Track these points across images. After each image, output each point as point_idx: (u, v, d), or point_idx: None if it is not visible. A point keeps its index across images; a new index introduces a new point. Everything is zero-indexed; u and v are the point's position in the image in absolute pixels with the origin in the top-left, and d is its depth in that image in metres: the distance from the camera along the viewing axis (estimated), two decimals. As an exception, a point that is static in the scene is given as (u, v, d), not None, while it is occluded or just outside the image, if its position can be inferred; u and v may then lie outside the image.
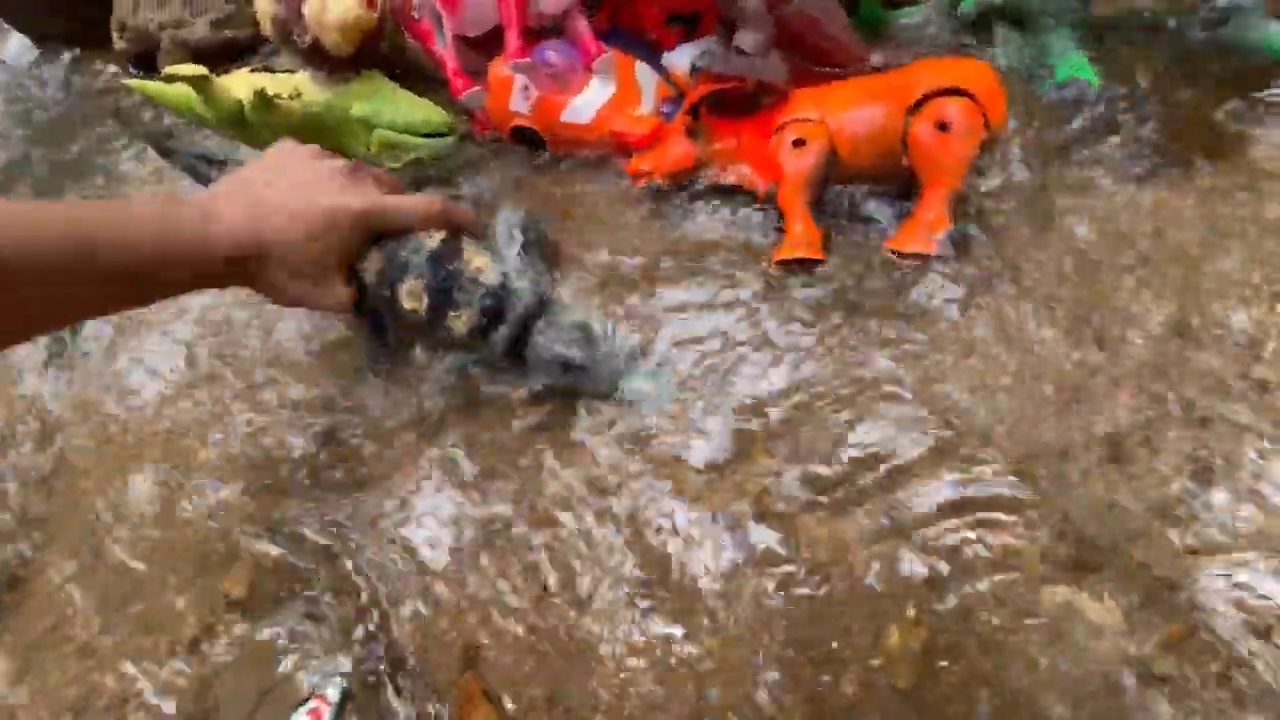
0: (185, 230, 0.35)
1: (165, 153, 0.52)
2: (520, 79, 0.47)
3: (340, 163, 0.41)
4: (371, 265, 0.41)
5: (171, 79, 0.53)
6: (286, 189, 0.38)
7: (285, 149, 0.41)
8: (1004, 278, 0.40)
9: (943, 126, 0.38)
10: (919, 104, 0.39)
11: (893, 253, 0.40)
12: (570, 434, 0.41)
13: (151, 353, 0.53)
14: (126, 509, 0.47)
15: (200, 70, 0.51)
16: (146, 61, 0.65)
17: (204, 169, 0.49)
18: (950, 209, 0.39)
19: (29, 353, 0.56)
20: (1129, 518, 0.34)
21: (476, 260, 0.41)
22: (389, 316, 0.42)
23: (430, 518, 0.41)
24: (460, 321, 0.40)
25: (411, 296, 0.40)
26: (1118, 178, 0.41)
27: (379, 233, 0.41)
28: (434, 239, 0.41)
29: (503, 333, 0.41)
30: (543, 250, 0.45)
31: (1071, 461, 0.35)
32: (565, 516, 0.39)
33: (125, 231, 0.32)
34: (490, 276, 0.41)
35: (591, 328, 0.41)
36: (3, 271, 0.28)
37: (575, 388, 0.42)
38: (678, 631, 0.35)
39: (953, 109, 0.38)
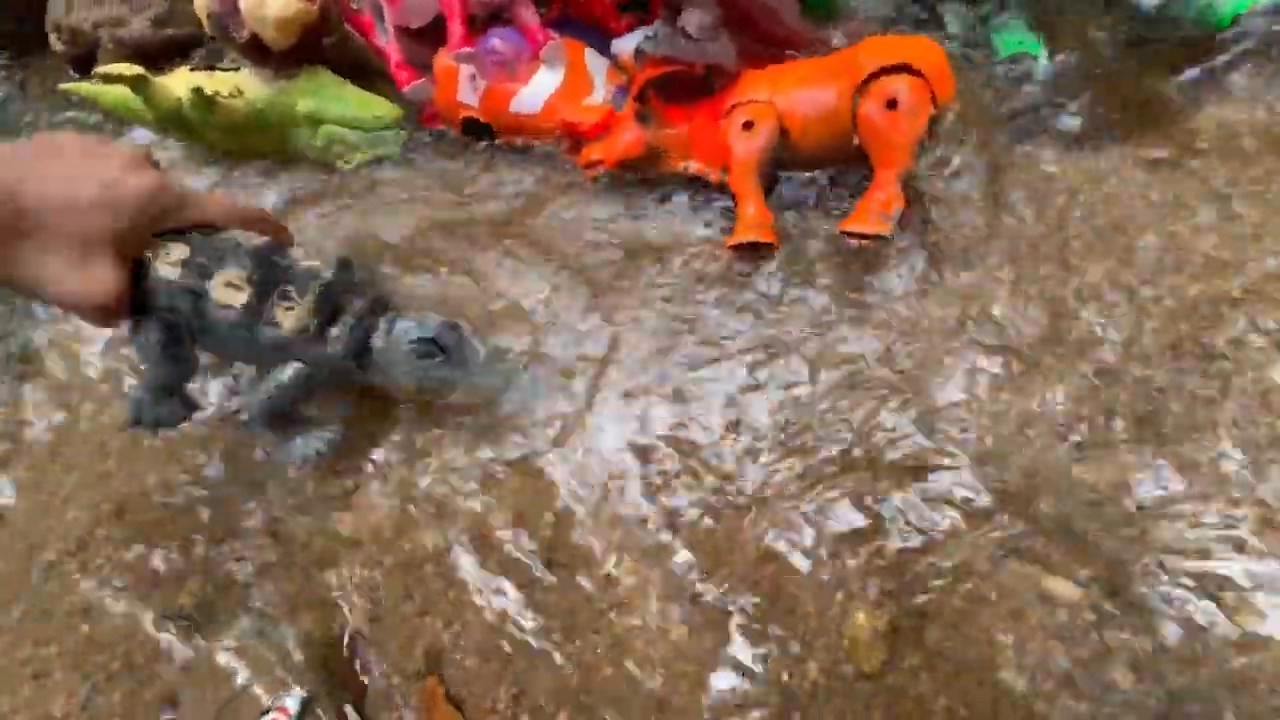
0: None
1: None
2: (467, 69, 0.46)
3: (134, 147, 0.34)
4: (170, 254, 0.34)
5: (108, 79, 0.51)
6: (64, 159, 0.32)
7: (51, 137, 0.34)
8: (955, 254, 0.40)
9: (891, 104, 0.38)
10: (867, 82, 0.39)
11: (845, 234, 0.40)
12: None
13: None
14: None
15: (137, 70, 0.49)
16: (86, 63, 0.63)
17: None
18: (901, 188, 0.39)
19: None
20: (1085, 491, 0.34)
21: (307, 261, 0.36)
22: (186, 321, 0.35)
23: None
24: (292, 316, 0.34)
25: (229, 289, 0.34)
26: (1065, 150, 0.41)
27: (172, 224, 0.34)
28: (255, 238, 0.35)
29: (344, 325, 0.35)
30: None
31: (1028, 438, 0.35)
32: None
33: None
34: (326, 273, 0.36)
35: (449, 320, 0.37)
36: None
37: (438, 390, 0.37)
38: (637, 622, 0.35)
39: (900, 86, 0.38)
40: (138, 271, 0.34)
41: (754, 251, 0.42)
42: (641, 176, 0.45)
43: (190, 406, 0.39)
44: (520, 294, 0.44)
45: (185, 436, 0.44)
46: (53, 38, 0.63)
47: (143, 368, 0.37)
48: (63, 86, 0.60)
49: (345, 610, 0.38)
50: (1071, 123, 0.41)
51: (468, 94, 0.47)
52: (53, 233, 0.30)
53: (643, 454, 0.38)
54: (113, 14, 0.58)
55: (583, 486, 0.38)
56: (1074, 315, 0.38)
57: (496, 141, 0.49)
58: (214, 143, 0.54)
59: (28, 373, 0.51)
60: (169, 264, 0.34)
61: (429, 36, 0.48)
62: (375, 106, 0.50)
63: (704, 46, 0.40)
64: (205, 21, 0.48)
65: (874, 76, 0.39)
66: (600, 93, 0.47)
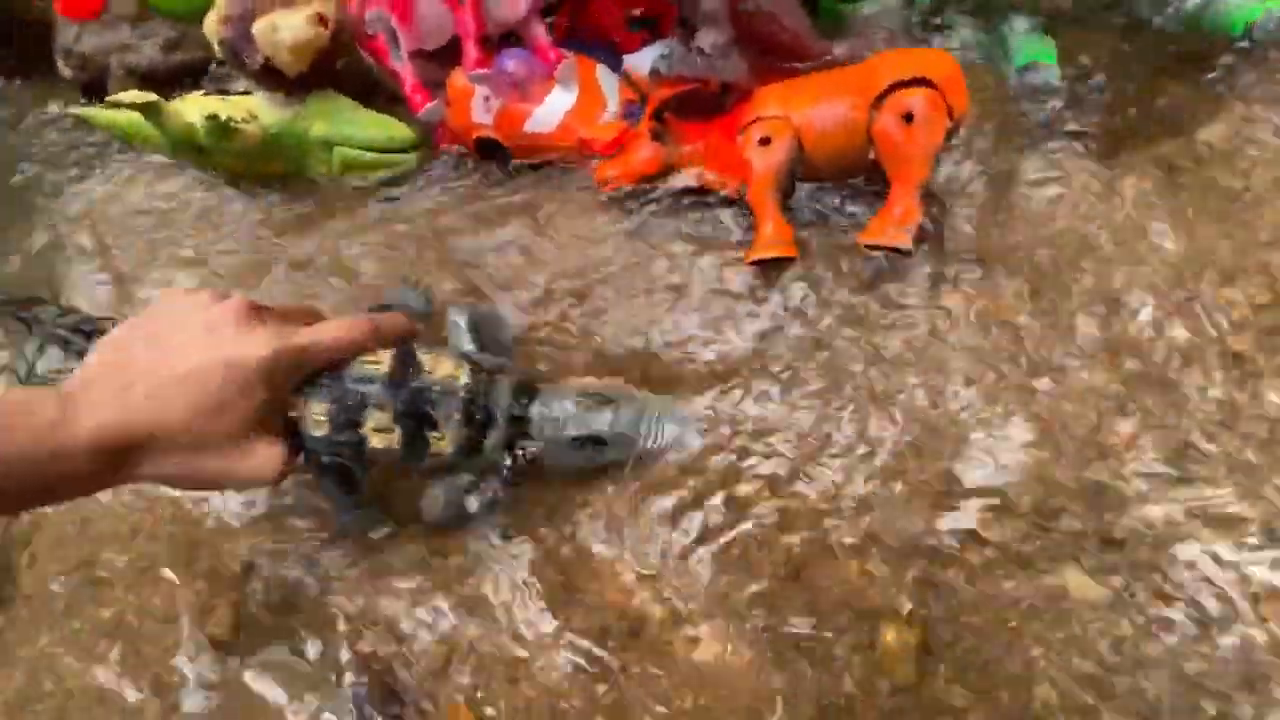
0: (34, 428, 0.28)
1: (27, 324, 0.42)
2: (481, 90, 0.46)
3: (236, 302, 0.33)
4: (314, 412, 0.34)
5: (120, 106, 0.52)
6: (168, 351, 0.31)
7: (168, 299, 0.34)
8: (973, 266, 0.40)
9: (907, 118, 0.38)
10: (882, 96, 0.39)
11: (865, 247, 0.40)
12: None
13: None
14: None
15: (149, 97, 0.49)
16: (97, 89, 0.63)
17: (77, 342, 0.40)
18: (919, 201, 0.39)
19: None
20: (1109, 497, 0.34)
21: (440, 368, 0.35)
22: (357, 465, 0.36)
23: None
24: (445, 441, 0.34)
25: (381, 434, 0.34)
26: (1082, 160, 0.41)
27: (301, 376, 0.33)
28: (381, 362, 0.34)
29: (497, 435, 0.35)
30: (502, 341, 0.41)
31: (1050, 444, 0.35)
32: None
33: None
34: (463, 378, 0.35)
35: (596, 391, 0.36)
36: None
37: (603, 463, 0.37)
38: (680, 637, 0.35)
39: (916, 100, 0.38)
40: (292, 426, 0.34)
41: (773, 264, 0.42)
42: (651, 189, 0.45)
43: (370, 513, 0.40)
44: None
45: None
46: (61, 64, 0.63)
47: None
48: (74, 111, 0.60)
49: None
50: (1087, 133, 0.42)
51: (482, 115, 0.47)
52: (188, 445, 0.30)
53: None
54: (122, 40, 0.59)
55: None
56: (1093, 320, 0.38)
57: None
58: (227, 167, 0.54)
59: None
60: (317, 424, 0.34)
61: (442, 58, 0.48)
62: (389, 129, 0.50)
63: (718, 64, 0.41)
64: (217, 47, 0.49)
65: (889, 90, 0.39)
66: (614, 109, 0.48)
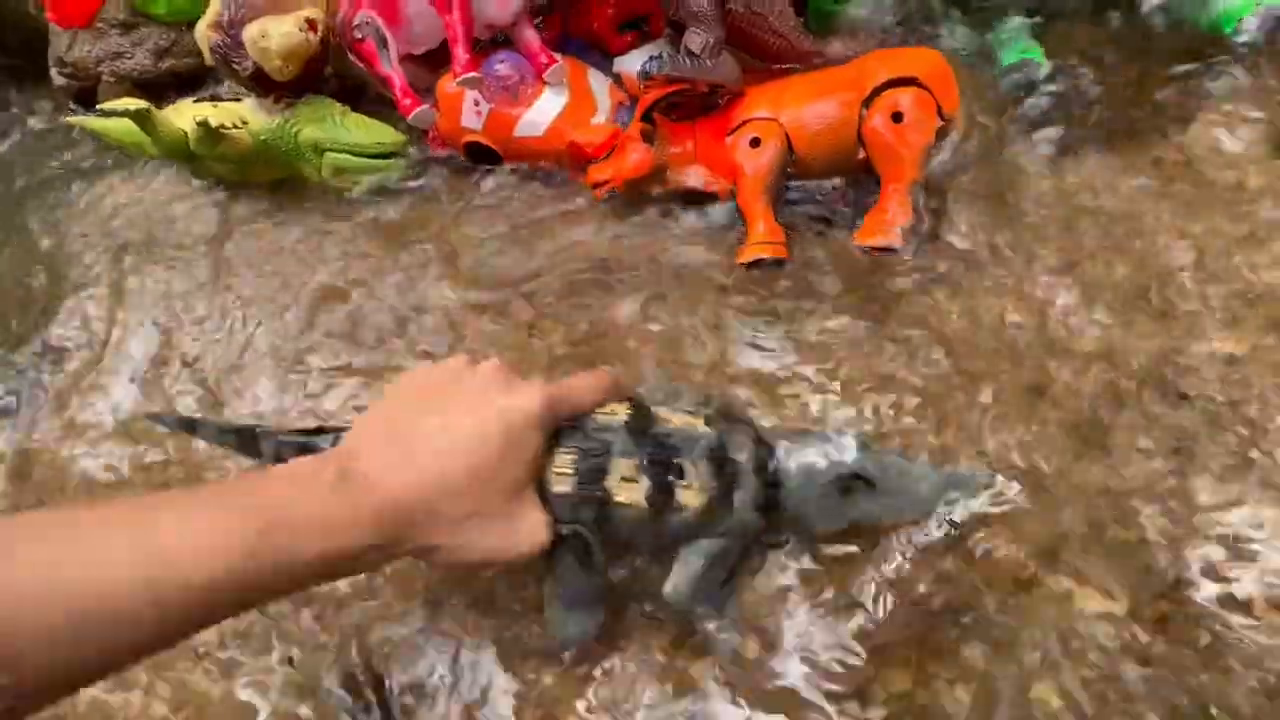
0: (321, 501, 0.25)
1: (250, 449, 0.37)
2: (471, 94, 0.46)
3: (495, 363, 0.31)
4: (560, 468, 0.30)
5: (111, 113, 0.52)
6: (443, 413, 0.29)
7: (415, 375, 0.32)
8: (967, 264, 0.40)
9: (897, 117, 0.38)
10: (872, 96, 0.39)
11: (858, 247, 0.40)
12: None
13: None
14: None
15: (141, 104, 0.49)
16: (88, 97, 0.63)
17: (316, 444, 0.35)
18: (911, 200, 0.39)
19: None
20: (1115, 502, 0.33)
21: (675, 417, 0.32)
22: (593, 533, 0.31)
23: None
24: (693, 492, 0.30)
25: (627, 486, 0.30)
26: (1071, 156, 0.41)
27: (553, 428, 0.31)
28: (617, 413, 0.32)
29: (750, 483, 0.31)
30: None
31: (1053, 449, 0.35)
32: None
33: (215, 537, 0.23)
34: (701, 424, 0.32)
35: (853, 434, 0.32)
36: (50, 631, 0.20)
37: (873, 524, 0.33)
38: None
39: (905, 99, 0.38)
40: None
41: (765, 266, 0.42)
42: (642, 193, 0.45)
43: (599, 610, 0.34)
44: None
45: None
46: (55, 73, 0.63)
47: (553, 581, 0.33)
48: (67, 120, 0.60)
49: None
50: (1077, 128, 0.41)
51: (471, 119, 0.47)
52: (471, 510, 0.28)
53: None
54: (114, 48, 0.59)
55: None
56: (1089, 320, 0.38)
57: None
58: (219, 173, 0.54)
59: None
60: (561, 478, 0.30)
61: (432, 62, 0.48)
62: (379, 133, 0.50)
63: (707, 65, 0.40)
64: (207, 54, 0.49)
65: (879, 90, 0.39)
66: (604, 112, 0.48)
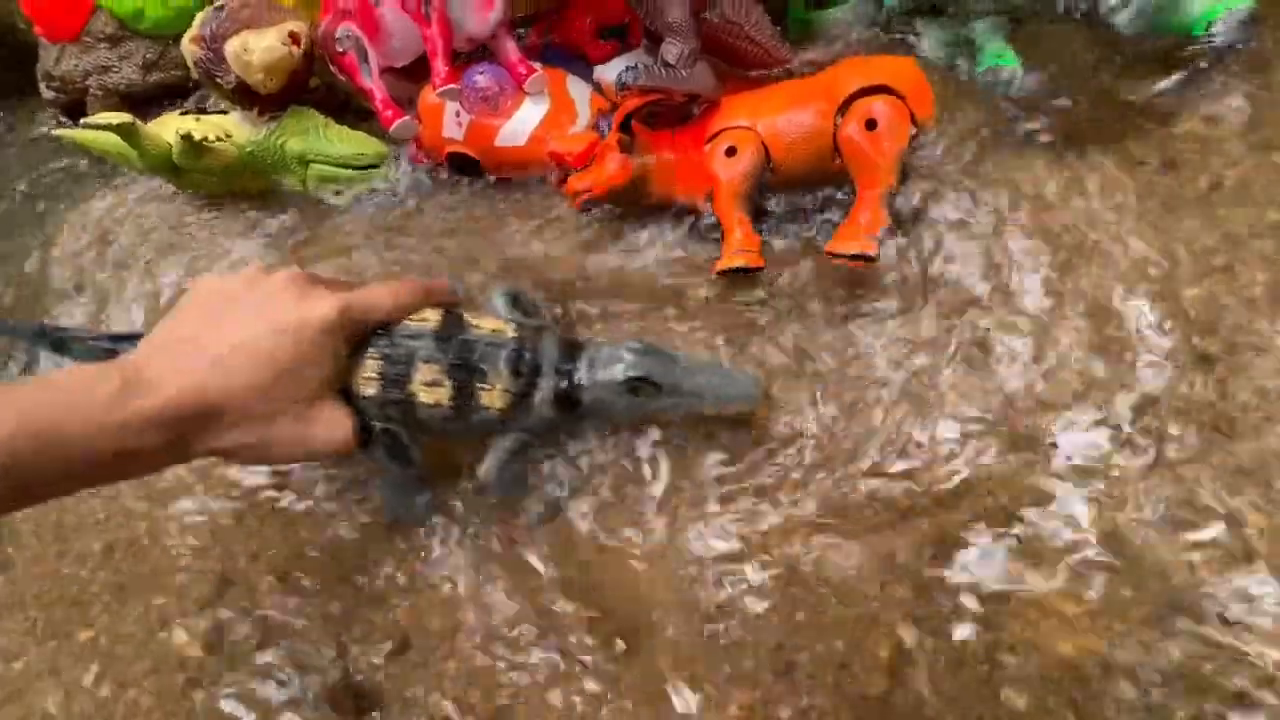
0: (99, 403, 0.27)
1: (59, 346, 0.40)
2: (451, 105, 0.47)
3: (290, 271, 0.32)
4: (366, 372, 0.34)
5: (96, 127, 0.52)
6: (231, 322, 0.30)
7: (209, 282, 0.33)
8: (945, 273, 0.40)
9: (871, 125, 0.38)
10: (846, 104, 0.39)
11: (832, 255, 0.40)
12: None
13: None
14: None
15: (125, 118, 0.50)
16: (77, 111, 0.64)
17: (124, 347, 0.38)
18: (886, 207, 0.39)
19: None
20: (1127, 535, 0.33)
21: (484, 323, 0.36)
22: (405, 429, 0.35)
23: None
24: (495, 394, 0.34)
25: (430, 388, 0.34)
26: (1048, 162, 0.41)
27: (358, 334, 0.33)
28: (428, 319, 0.35)
29: (548, 385, 0.35)
30: (541, 314, 0.42)
31: (1038, 473, 0.35)
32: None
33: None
34: (509, 331, 0.35)
35: (646, 341, 0.36)
36: None
37: (664, 414, 0.37)
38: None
39: (880, 107, 0.38)
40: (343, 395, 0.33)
41: (742, 274, 0.42)
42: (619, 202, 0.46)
43: (425, 490, 0.40)
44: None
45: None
46: (43, 86, 0.63)
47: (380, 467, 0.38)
48: (55, 133, 0.61)
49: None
50: (1052, 134, 0.42)
51: (453, 129, 0.47)
52: (266, 412, 0.29)
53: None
54: (101, 62, 0.59)
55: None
56: (1069, 330, 0.38)
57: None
58: (204, 186, 0.55)
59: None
60: (367, 381, 0.34)
61: (412, 73, 0.48)
62: (361, 145, 0.50)
63: (683, 75, 0.41)
64: (192, 68, 0.49)
65: (853, 97, 0.39)
66: (585, 120, 0.48)
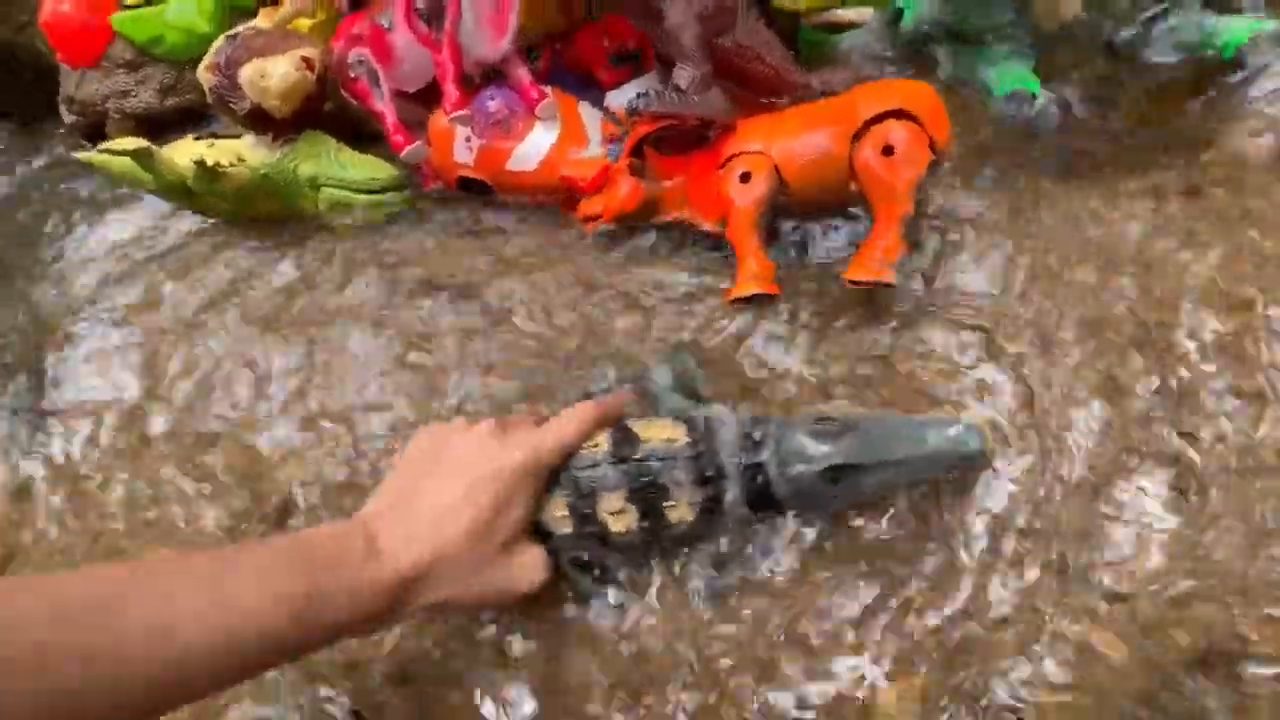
0: (352, 566, 0.29)
1: None
2: (462, 130, 0.47)
3: (487, 423, 0.35)
4: (555, 510, 0.34)
5: (113, 153, 0.53)
6: (441, 481, 0.33)
7: (426, 435, 0.36)
8: (962, 295, 0.39)
9: (888, 150, 0.38)
10: (863, 129, 0.38)
11: (849, 282, 0.39)
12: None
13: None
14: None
15: (141, 144, 0.50)
16: (97, 134, 0.64)
17: None
18: (902, 234, 0.38)
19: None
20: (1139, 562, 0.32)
21: (654, 433, 0.34)
22: (605, 554, 0.35)
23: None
24: (682, 508, 0.33)
25: (618, 517, 0.33)
26: (1072, 186, 0.40)
27: (551, 473, 0.34)
28: (599, 444, 0.34)
29: (735, 488, 0.33)
30: (699, 384, 0.39)
31: (1066, 504, 0.34)
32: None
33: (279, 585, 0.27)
34: (681, 437, 0.33)
35: (830, 416, 0.34)
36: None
37: (860, 499, 0.34)
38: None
39: (897, 133, 0.38)
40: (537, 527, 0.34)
41: (756, 301, 0.41)
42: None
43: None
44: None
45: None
46: (64, 110, 0.65)
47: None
48: (77, 155, 0.61)
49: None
50: (1076, 159, 0.41)
51: (463, 153, 0.47)
52: (470, 564, 0.32)
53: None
54: (120, 86, 0.60)
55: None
56: (1098, 357, 0.37)
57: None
58: (218, 210, 0.55)
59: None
60: (558, 520, 0.34)
61: (424, 98, 0.48)
62: (373, 169, 0.51)
63: (696, 100, 0.40)
64: (207, 94, 0.49)
65: (870, 123, 0.38)
66: (596, 145, 0.48)
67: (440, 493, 0.32)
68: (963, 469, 0.34)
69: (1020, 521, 0.34)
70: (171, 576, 0.27)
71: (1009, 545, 0.33)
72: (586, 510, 0.33)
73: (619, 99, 0.48)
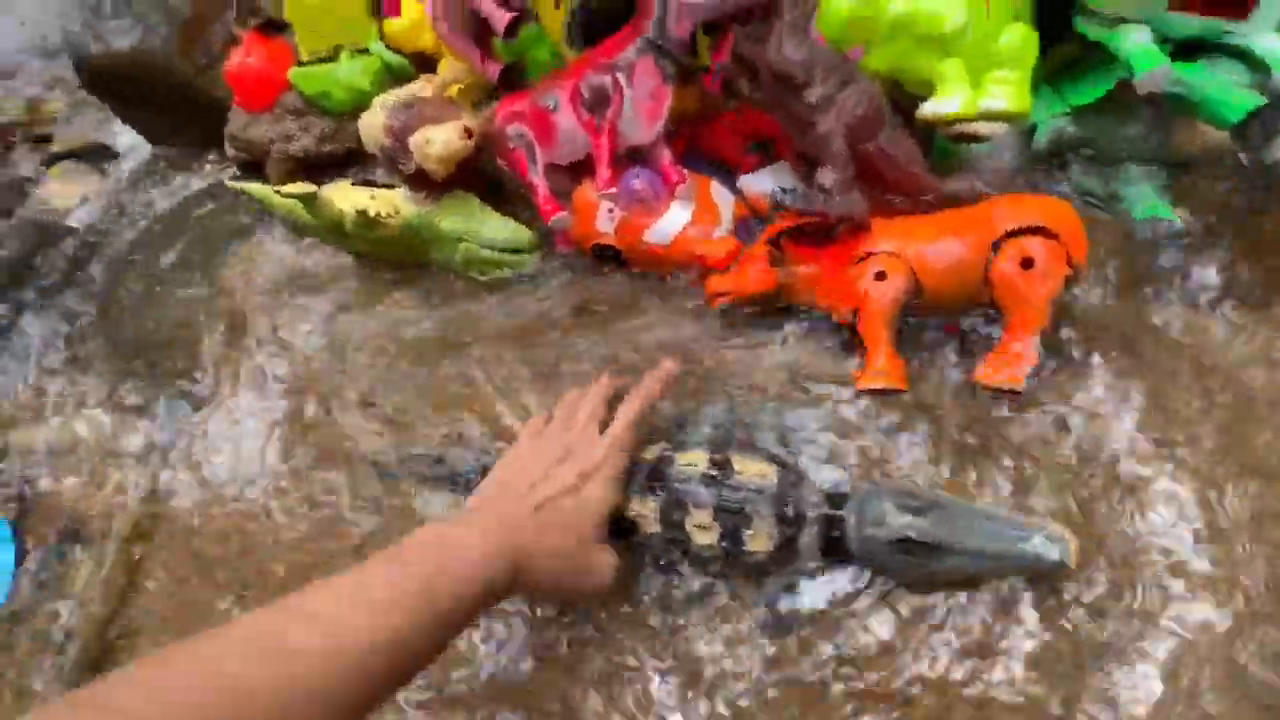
0: (468, 563, 0.33)
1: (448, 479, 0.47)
2: (605, 202, 0.50)
3: (579, 429, 0.40)
4: (646, 509, 0.38)
5: (287, 195, 0.58)
6: (528, 480, 0.38)
7: (520, 444, 0.41)
8: (1093, 415, 0.40)
9: (1027, 264, 0.39)
10: (1001, 240, 0.40)
11: (981, 385, 0.40)
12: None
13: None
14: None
15: (310, 188, 0.56)
16: (253, 168, 0.71)
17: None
18: (1037, 346, 0.39)
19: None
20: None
21: (749, 467, 0.38)
22: (684, 561, 0.39)
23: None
24: (760, 538, 0.36)
25: (703, 531, 0.37)
26: (1205, 313, 0.41)
27: (622, 478, 0.38)
28: (698, 462, 0.38)
29: (812, 532, 0.36)
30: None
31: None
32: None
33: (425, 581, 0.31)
34: (771, 476, 0.37)
35: (918, 491, 0.36)
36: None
37: (932, 577, 0.35)
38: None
39: (1036, 247, 0.39)
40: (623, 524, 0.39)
41: (883, 393, 0.43)
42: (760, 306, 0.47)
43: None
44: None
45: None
46: (228, 146, 0.71)
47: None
48: (230, 183, 0.67)
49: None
50: (1210, 284, 0.41)
51: (605, 224, 0.51)
52: (565, 565, 0.36)
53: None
54: (286, 131, 0.66)
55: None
56: (1226, 482, 0.37)
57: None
58: (364, 251, 0.60)
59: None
60: (647, 520, 0.38)
61: (571, 170, 0.52)
62: (513, 231, 0.55)
63: (838, 200, 0.43)
64: (377, 153, 0.54)
65: (1009, 235, 0.40)
66: (727, 224, 0.51)
67: (539, 490, 0.37)
68: (1039, 575, 0.34)
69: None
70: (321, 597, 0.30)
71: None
72: (676, 518, 0.37)
73: (754, 183, 0.51)
